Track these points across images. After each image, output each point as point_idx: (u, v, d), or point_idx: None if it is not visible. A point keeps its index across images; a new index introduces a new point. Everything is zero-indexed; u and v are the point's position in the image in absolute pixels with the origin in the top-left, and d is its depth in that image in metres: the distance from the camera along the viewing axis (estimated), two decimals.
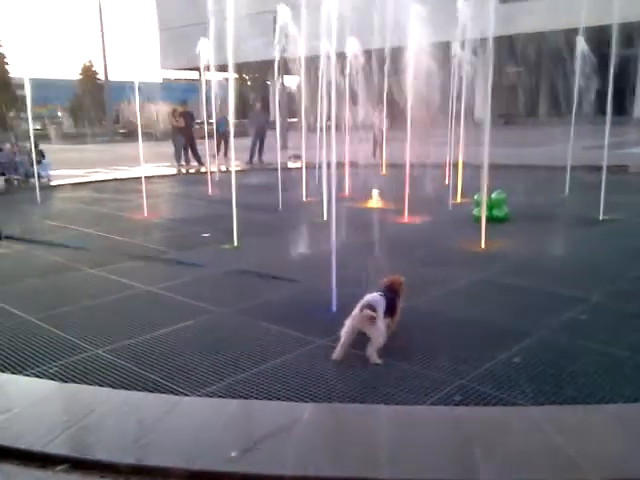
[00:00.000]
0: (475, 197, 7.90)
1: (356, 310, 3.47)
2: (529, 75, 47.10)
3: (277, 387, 3.22)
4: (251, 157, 18.23)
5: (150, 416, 2.79)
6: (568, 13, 34.03)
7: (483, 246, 6.40)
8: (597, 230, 7.30)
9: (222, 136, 20.22)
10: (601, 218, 7.80)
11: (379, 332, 3.45)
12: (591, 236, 7.01)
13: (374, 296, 3.57)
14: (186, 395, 3.14)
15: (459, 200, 9.58)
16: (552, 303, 4.54)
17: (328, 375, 3.33)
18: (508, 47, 39.35)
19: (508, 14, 38.14)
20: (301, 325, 4.10)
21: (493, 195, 7.79)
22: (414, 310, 4.45)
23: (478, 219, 7.73)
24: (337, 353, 3.51)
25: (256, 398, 3.11)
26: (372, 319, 3.39)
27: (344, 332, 3.49)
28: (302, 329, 4.02)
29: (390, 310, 3.67)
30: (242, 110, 26.15)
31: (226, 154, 19.99)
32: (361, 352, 3.64)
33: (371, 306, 3.45)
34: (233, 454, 2.44)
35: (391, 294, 3.74)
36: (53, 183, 13.67)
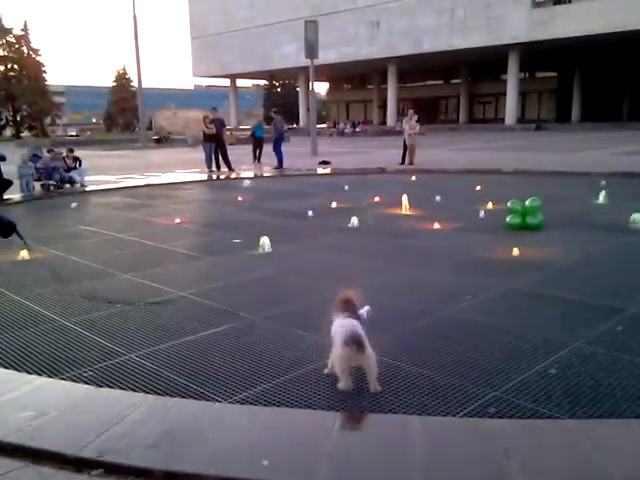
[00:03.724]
0: (509, 204, 7.80)
1: (341, 349, 3.13)
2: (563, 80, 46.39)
3: (309, 395, 3.21)
4: (280, 163, 18.39)
5: (183, 422, 2.81)
6: (603, 17, 33.42)
7: (516, 254, 6.31)
8: (633, 238, 7.13)
9: (258, 142, 20.51)
10: (638, 226, 7.62)
11: (372, 359, 3.18)
12: (627, 244, 6.84)
13: (350, 324, 3.19)
14: (218, 401, 3.16)
15: (491, 206, 9.47)
16: (588, 314, 4.44)
17: (360, 384, 3.30)
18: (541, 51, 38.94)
19: (540, 18, 37.77)
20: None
21: (527, 202, 7.68)
22: (447, 319, 4.41)
23: (512, 226, 7.65)
24: (347, 385, 3.22)
25: (287, 406, 3.10)
26: (362, 347, 3.10)
27: (339, 371, 3.21)
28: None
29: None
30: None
31: (260, 159, 20.21)
32: (391, 360, 3.63)
33: (355, 338, 3.10)
34: (265, 462, 2.44)
35: (355, 312, 3.37)
36: (87, 189, 13.96)
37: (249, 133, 22.33)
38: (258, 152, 20.43)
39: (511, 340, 3.95)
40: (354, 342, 3.10)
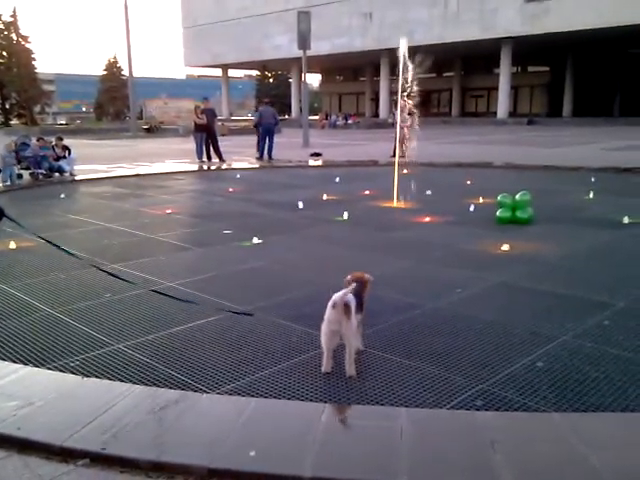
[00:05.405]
0: (499, 198, 7.82)
1: (328, 311, 3.27)
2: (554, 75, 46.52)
3: (296, 386, 3.21)
4: (261, 154, 18.12)
5: (171, 413, 2.80)
6: (594, 12, 33.48)
7: (506, 248, 6.33)
8: (622, 233, 7.17)
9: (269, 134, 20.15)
10: (626, 221, 7.67)
11: (353, 330, 3.26)
12: (616, 239, 6.88)
13: (343, 292, 3.27)
14: (205, 392, 3.15)
15: (481, 200, 9.49)
16: (576, 308, 4.47)
17: (348, 377, 3.30)
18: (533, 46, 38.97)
19: (533, 12, 37.79)
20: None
21: (517, 196, 7.70)
22: (435, 312, 4.42)
23: (502, 220, 7.67)
24: (325, 365, 3.36)
25: (275, 398, 3.10)
26: (348, 311, 3.18)
27: (324, 341, 3.31)
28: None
29: (360, 307, 3.45)
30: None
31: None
32: (379, 352, 3.63)
33: (343, 301, 3.21)
34: (252, 453, 2.44)
35: (358, 291, 3.45)
36: (77, 178, 13.85)
37: (252, 124, 21.57)
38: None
39: (499, 333, 3.97)
40: (341, 304, 3.18)
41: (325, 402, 3.02)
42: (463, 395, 3.08)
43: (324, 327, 3.28)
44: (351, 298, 3.28)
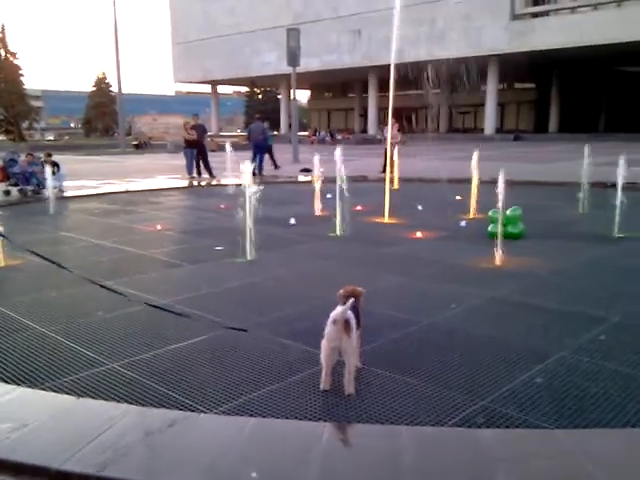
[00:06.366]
0: (490, 213, 7.86)
1: (328, 328, 3.23)
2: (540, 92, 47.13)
3: (295, 405, 3.17)
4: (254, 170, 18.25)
5: (169, 434, 2.75)
6: (581, 30, 34.03)
7: (498, 263, 6.35)
8: (613, 248, 7.23)
9: (267, 148, 20.31)
10: (616, 236, 7.73)
11: (353, 347, 3.26)
12: (607, 254, 6.93)
13: (342, 309, 3.23)
14: (203, 412, 3.10)
15: (472, 216, 9.53)
16: (571, 323, 4.48)
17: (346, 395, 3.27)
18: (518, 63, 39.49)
19: (519, 30, 38.38)
20: (320, 341, 4.05)
21: (508, 211, 7.73)
22: (431, 328, 4.41)
23: (493, 235, 7.69)
24: (324, 382, 3.32)
25: (273, 417, 3.06)
26: (348, 328, 3.17)
27: (323, 357, 3.27)
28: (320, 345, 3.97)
29: (358, 323, 3.40)
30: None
31: (276, 165, 20.07)
32: (379, 370, 3.61)
33: (343, 318, 3.19)
34: (254, 475, 2.40)
35: (355, 306, 3.41)
36: (66, 194, 13.75)
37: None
38: (271, 159, 20.29)
39: (496, 349, 3.96)
40: (341, 321, 3.16)
41: (325, 421, 2.98)
42: (464, 412, 3.05)
43: (324, 344, 3.25)
44: (351, 315, 3.25)
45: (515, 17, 39.48)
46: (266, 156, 19.58)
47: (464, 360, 3.77)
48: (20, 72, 60.86)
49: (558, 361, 3.73)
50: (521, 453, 2.57)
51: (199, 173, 17.69)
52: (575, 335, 4.18)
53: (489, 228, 7.79)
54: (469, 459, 2.52)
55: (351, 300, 3.31)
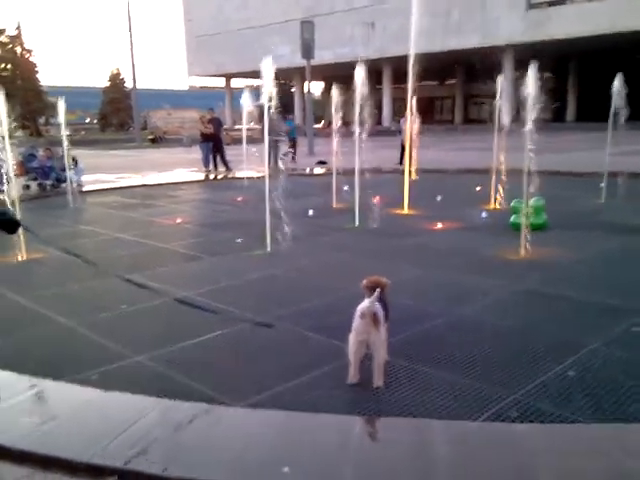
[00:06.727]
0: (513, 203, 7.73)
1: (356, 322, 3.18)
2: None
3: (323, 398, 3.12)
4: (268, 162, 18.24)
5: (197, 427, 2.72)
6: (598, 18, 33.48)
7: (523, 254, 6.24)
8: (636, 238, 7.07)
9: (292, 142, 20.39)
10: None
11: (381, 340, 3.20)
12: (631, 244, 6.79)
13: (369, 302, 3.16)
14: (230, 405, 3.07)
15: (493, 206, 9.40)
16: (601, 314, 4.38)
17: (375, 388, 3.22)
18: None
19: (535, 20, 37.88)
20: (344, 334, 4.00)
21: (531, 202, 7.60)
22: (460, 320, 4.33)
23: (515, 226, 7.57)
24: (351, 376, 3.27)
25: (300, 410, 3.01)
26: (377, 321, 3.12)
27: (351, 352, 3.22)
28: (344, 338, 3.91)
29: (386, 315, 3.34)
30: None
31: (294, 158, 20.11)
32: (406, 362, 3.55)
33: (371, 312, 3.14)
34: (286, 469, 2.35)
35: (381, 298, 3.32)
36: (84, 188, 13.81)
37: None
38: (293, 151, 20.35)
39: (525, 341, 3.88)
40: (370, 314, 3.11)
41: (355, 414, 2.93)
42: (497, 406, 2.98)
43: (352, 337, 3.19)
44: (379, 308, 3.19)
45: (531, 6, 38.91)
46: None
47: (493, 353, 3.69)
48: (36, 69, 61.38)
49: (590, 353, 3.64)
50: (558, 449, 2.49)
51: (215, 166, 17.68)
52: (606, 326, 4.08)
53: (511, 219, 7.66)
54: (504, 455, 2.46)
55: (377, 292, 3.24)
